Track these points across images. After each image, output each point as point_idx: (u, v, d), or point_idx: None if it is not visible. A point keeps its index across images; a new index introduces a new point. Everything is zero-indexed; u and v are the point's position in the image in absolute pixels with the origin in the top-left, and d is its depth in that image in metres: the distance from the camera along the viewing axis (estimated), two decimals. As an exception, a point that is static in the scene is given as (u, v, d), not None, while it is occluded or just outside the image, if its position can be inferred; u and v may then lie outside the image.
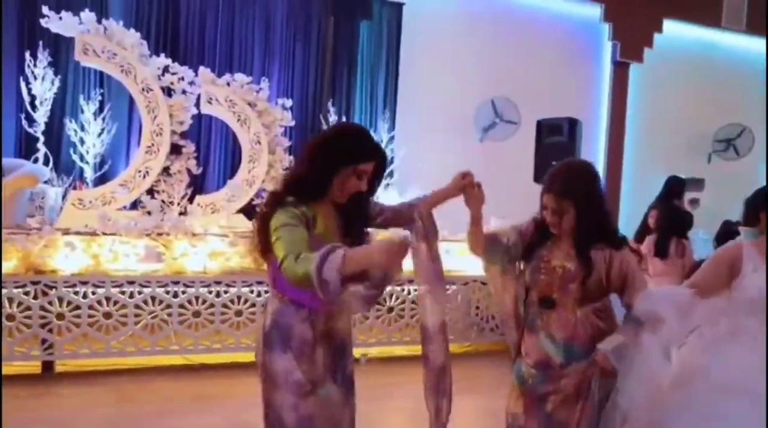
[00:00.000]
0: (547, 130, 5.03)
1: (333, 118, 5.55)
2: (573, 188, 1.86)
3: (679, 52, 7.43)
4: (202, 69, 5.18)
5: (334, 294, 1.44)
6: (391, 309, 4.37)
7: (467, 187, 1.86)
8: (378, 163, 1.75)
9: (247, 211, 5.32)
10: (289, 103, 5.50)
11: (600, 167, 7.30)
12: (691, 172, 6.60)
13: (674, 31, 7.27)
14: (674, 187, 4.87)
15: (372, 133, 6.34)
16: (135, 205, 4.98)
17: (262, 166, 5.33)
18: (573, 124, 4.95)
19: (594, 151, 7.20)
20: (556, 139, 4.96)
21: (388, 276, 1.58)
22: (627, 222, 5.88)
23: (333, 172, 1.67)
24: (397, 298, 4.39)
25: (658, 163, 7.50)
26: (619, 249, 1.90)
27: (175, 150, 5.12)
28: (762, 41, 7.68)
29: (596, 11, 6.98)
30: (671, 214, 4.17)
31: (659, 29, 7.14)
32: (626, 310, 1.92)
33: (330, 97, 5.94)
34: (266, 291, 4.08)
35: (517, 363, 2.05)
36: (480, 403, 3.56)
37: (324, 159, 1.67)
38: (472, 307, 4.64)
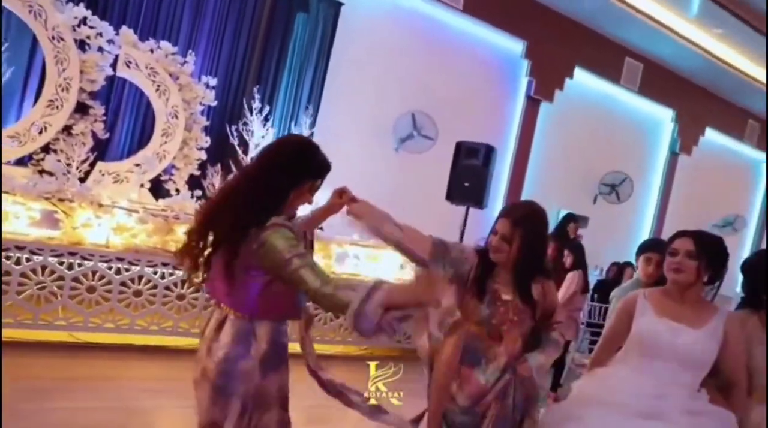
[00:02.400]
0: (465, 152, 5.27)
1: (256, 105, 5.41)
2: (526, 221, 2.00)
3: (583, 98, 8.12)
4: (124, 29, 4.84)
5: (368, 328, 1.44)
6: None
7: (348, 203, 1.90)
8: (325, 176, 1.78)
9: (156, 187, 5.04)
10: (213, 81, 5.28)
11: (500, 194, 7.76)
12: (579, 209, 7.22)
13: (583, 78, 7.94)
14: (573, 223, 5.28)
15: (293, 127, 6.26)
16: (22, 161, 4.53)
17: (176, 142, 5.08)
18: (489, 150, 5.24)
19: (498, 177, 7.66)
20: (472, 162, 5.21)
21: (423, 308, 1.63)
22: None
23: (296, 186, 1.67)
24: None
25: (552, 197, 8.14)
26: (548, 280, 2.07)
27: (81, 109, 4.73)
28: (650, 104, 8.64)
29: (519, 47, 7.44)
30: (583, 250, 4.51)
31: (570, 75, 7.76)
32: (548, 328, 2.10)
33: (255, 82, 5.78)
34: (171, 274, 3.89)
35: (446, 411, 2.04)
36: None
37: (290, 174, 1.66)
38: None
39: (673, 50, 7.73)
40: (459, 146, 5.36)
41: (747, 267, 2.43)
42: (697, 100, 8.97)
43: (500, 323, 2.02)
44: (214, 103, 5.31)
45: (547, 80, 7.59)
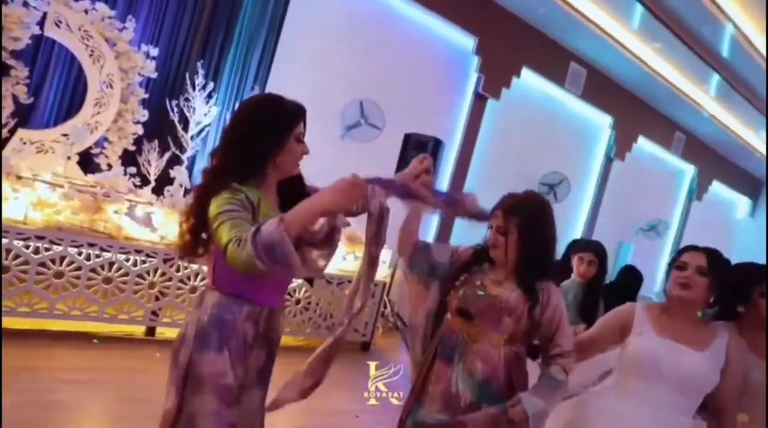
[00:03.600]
0: (413, 144, 5.23)
1: (200, 81, 5.14)
2: (520, 209, 1.82)
3: (528, 99, 8.28)
4: (55, -15, 4.44)
5: (284, 260, 1.30)
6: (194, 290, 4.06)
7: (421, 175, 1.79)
8: (304, 117, 1.63)
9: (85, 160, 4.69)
10: (154, 51, 4.96)
11: (443, 188, 7.82)
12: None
13: (529, 79, 8.09)
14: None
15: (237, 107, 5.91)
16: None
17: (110, 113, 4.75)
18: (438, 143, 5.23)
19: (441, 172, 7.69)
20: (419, 155, 5.18)
21: (341, 220, 1.47)
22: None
23: (278, 145, 1.55)
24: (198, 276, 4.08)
25: (493, 194, 8.24)
26: (553, 286, 1.83)
27: (2, 69, 4.32)
28: (591, 109, 8.94)
29: (470, 43, 7.47)
30: None
31: (518, 74, 7.89)
32: (548, 360, 1.83)
33: (200, 57, 5.48)
34: (98, 256, 3.63)
35: (414, 410, 1.86)
36: (302, 402, 3.56)
37: (265, 133, 1.52)
38: (312, 303, 4.64)
39: (616, 59, 8.00)
40: (407, 138, 5.32)
41: (726, 278, 2.29)
42: (634, 109, 9.37)
43: (478, 315, 1.80)
44: (154, 75, 5.00)
45: (495, 78, 7.68)
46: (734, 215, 12.65)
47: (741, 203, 12.62)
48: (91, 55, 4.61)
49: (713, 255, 1.95)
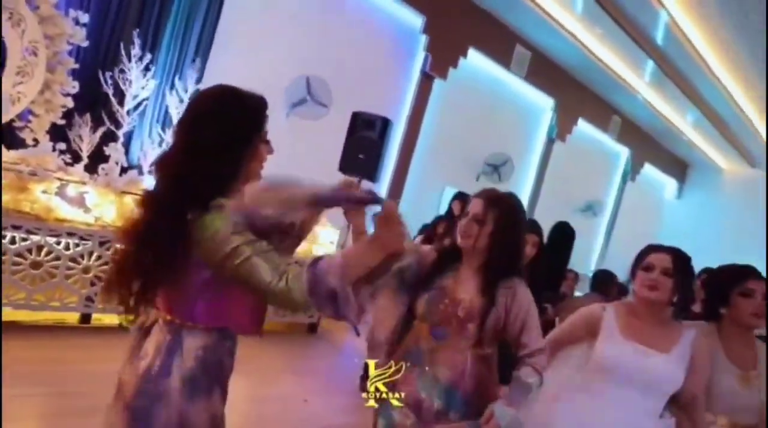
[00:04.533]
0: (361, 123, 5.16)
1: (136, 51, 4.84)
2: (501, 202, 1.80)
3: (474, 79, 8.34)
4: (-31, -60, 4.03)
5: (347, 307, 1.16)
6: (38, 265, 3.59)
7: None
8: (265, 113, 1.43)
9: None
10: (84, 17, 4.62)
11: (389, 169, 7.80)
12: (462, 186, 7.46)
13: (476, 60, 8.13)
14: (457, 201, 5.41)
15: (177, 81, 5.68)
16: None
17: (35, 84, 4.40)
18: (386, 123, 5.18)
19: (387, 151, 7.66)
20: (367, 134, 5.13)
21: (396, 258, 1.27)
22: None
23: (250, 149, 1.36)
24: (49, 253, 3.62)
25: (438, 174, 8.36)
26: (523, 285, 1.80)
27: None
28: (534, 91, 9.11)
29: (418, 21, 7.40)
30: None
31: (465, 54, 7.91)
32: (517, 362, 1.78)
33: (135, 26, 5.15)
34: (24, 239, 3.39)
35: (384, 410, 1.78)
36: (248, 389, 3.48)
37: (238, 135, 1.32)
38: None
39: (559, 43, 8.16)
40: (355, 116, 5.24)
41: (709, 280, 2.39)
42: (574, 92, 9.63)
43: (442, 322, 1.75)
44: (85, 44, 4.66)
45: (442, 57, 7.67)
46: (663, 196, 13.34)
47: (669, 185, 13.30)
48: (10, 18, 4.23)
49: (677, 256, 1.99)
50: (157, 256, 1.25)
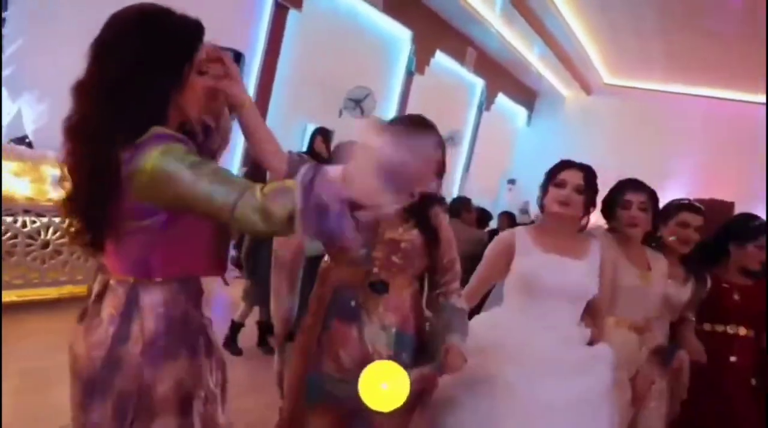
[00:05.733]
0: (209, 58, 4.71)
1: None
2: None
3: (331, 10, 8.00)
4: None
5: (337, 232, 1.01)
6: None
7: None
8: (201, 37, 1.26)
9: None
10: None
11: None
12: (325, 122, 7.28)
13: (331, -11, 7.76)
14: (319, 137, 5.26)
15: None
16: None
17: None
18: (237, 56, 4.74)
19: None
20: (217, 68, 4.71)
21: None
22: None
23: (178, 79, 1.19)
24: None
25: (300, 110, 8.04)
26: (444, 213, 1.72)
27: None
28: (392, 23, 8.98)
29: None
30: None
31: (319, -16, 7.50)
32: (444, 291, 1.71)
33: None
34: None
35: (312, 377, 1.60)
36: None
37: (160, 62, 1.15)
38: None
39: (414, -27, 8.03)
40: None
41: (605, 197, 2.47)
42: (431, 23, 9.66)
43: (382, 268, 1.62)
44: None
45: (290, -13, 7.20)
46: (515, 124, 14.21)
47: (520, 114, 14.17)
48: None
49: (589, 172, 2.02)
50: (89, 199, 1.12)
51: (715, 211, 2.98)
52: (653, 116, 11.73)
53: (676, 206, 2.60)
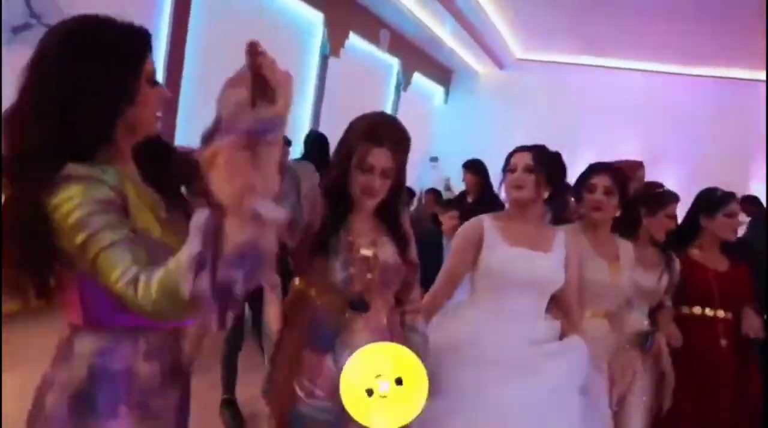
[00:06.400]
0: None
1: None
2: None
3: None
4: None
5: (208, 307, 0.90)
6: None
7: None
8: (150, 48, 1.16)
9: None
10: None
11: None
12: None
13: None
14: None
15: None
16: None
17: None
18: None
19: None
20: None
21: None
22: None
23: (126, 93, 1.08)
24: None
25: (209, 98, 7.69)
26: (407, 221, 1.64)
27: None
28: (304, 6, 8.77)
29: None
30: None
31: (222, -34, 7.17)
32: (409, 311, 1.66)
33: None
34: None
35: (293, 416, 1.51)
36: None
37: (105, 76, 1.04)
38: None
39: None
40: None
41: (575, 182, 2.44)
42: (342, 5, 9.53)
43: (363, 289, 1.52)
44: None
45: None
46: (433, 103, 14.39)
47: (437, 92, 14.36)
48: None
49: (538, 152, 2.00)
50: (13, 241, 0.97)
51: (627, 169, 3.03)
52: (566, 89, 12.24)
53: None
